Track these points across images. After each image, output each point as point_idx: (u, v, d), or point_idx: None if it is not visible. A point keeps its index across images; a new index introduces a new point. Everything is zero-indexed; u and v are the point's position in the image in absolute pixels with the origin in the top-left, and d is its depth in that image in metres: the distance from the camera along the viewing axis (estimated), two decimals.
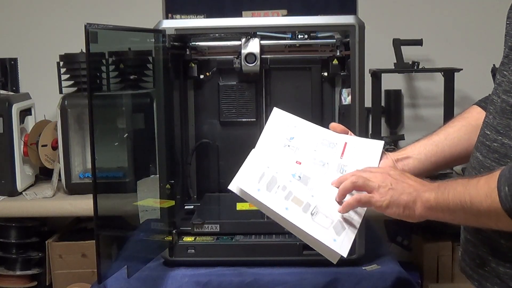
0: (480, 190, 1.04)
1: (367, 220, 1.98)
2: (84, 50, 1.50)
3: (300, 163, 1.28)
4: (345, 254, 1.19)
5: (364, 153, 1.32)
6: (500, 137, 1.14)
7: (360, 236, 1.79)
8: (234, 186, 1.27)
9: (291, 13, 2.84)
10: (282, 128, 1.36)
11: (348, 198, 1.20)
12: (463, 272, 1.26)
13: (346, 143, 1.34)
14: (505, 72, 1.16)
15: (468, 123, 1.36)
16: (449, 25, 2.90)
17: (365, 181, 1.18)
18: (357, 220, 1.24)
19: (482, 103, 1.36)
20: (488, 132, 1.17)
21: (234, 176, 1.29)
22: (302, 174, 1.27)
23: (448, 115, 2.62)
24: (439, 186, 1.13)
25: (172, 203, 1.86)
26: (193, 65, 2.03)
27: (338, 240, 1.19)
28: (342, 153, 1.32)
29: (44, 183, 2.61)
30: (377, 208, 1.17)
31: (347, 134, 1.38)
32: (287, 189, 1.24)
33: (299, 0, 2.91)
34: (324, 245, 1.19)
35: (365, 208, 1.24)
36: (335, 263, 1.23)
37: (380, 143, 1.35)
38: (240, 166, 2.12)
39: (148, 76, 2.54)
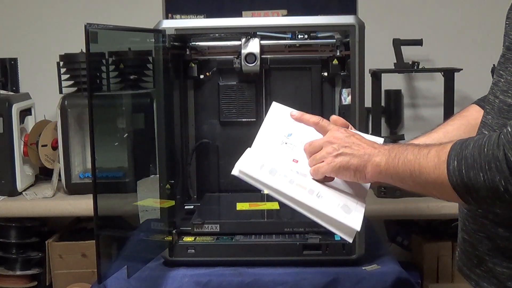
0: (429, 161, 1.06)
1: (367, 220, 1.98)
2: (84, 50, 1.50)
3: (297, 161, 1.27)
4: (358, 228, 1.18)
5: None
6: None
7: (360, 236, 1.79)
8: (236, 170, 1.26)
9: (291, 13, 2.84)
10: (280, 124, 1.34)
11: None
12: (461, 272, 1.26)
13: None
14: (501, 72, 1.16)
15: (468, 122, 1.36)
16: (449, 25, 2.90)
17: (313, 156, 1.22)
18: (361, 203, 1.23)
19: (481, 102, 1.36)
20: (486, 132, 1.17)
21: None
22: (300, 172, 1.26)
23: (448, 115, 2.60)
24: (390, 150, 1.14)
25: (172, 203, 1.86)
26: (193, 65, 2.03)
27: (349, 216, 1.19)
28: None
29: (44, 183, 2.61)
30: (329, 174, 1.19)
31: (348, 128, 1.36)
32: (289, 177, 1.23)
33: (299, 0, 2.91)
34: (336, 220, 1.18)
35: (368, 185, 1.25)
36: (351, 241, 1.21)
37: (380, 140, 1.33)
38: None
39: (148, 76, 2.55)
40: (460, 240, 1.26)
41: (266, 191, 1.24)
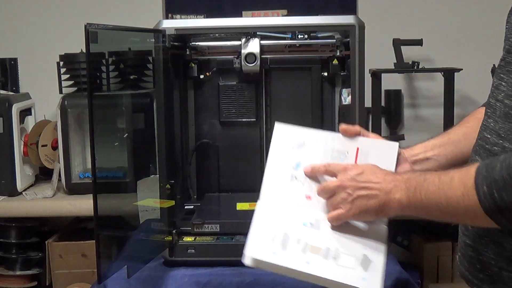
0: (455, 189, 1.03)
1: None
2: (84, 50, 1.50)
3: (310, 198, 1.21)
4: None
5: (378, 158, 1.24)
6: (501, 141, 1.12)
7: None
8: (248, 259, 1.18)
9: (291, 13, 2.84)
10: (287, 153, 1.25)
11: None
12: (462, 277, 1.24)
13: (358, 148, 1.26)
14: (502, 75, 1.16)
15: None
16: (449, 25, 2.89)
17: (329, 201, 1.17)
18: (381, 247, 1.18)
19: None
20: (488, 136, 1.16)
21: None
22: (313, 218, 1.19)
23: (448, 115, 2.62)
24: (407, 182, 1.10)
25: (172, 203, 1.86)
26: (193, 65, 2.03)
27: (368, 277, 1.13)
28: (355, 163, 1.24)
29: (44, 183, 2.61)
30: (350, 220, 1.16)
31: (359, 134, 1.31)
32: (302, 240, 1.16)
33: (299, 0, 2.91)
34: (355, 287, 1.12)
35: (385, 232, 1.21)
36: None
37: (395, 145, 1.28)
38: (240, 166, 2.15)
39: (148, 76, 2.54)
40: (461, 245, 1.24)
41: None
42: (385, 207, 1.11)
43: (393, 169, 1.25)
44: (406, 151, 1.33)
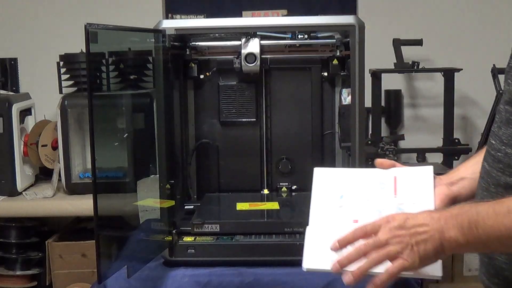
0: None
1: None
2: (84, 50, 1.50)
3: (357, 221, 1.22)
4: (439, 274, 1.14)
5: (416, 183, 1.27)
6: (503, 147, 1.12)
7: None
8: (305, 268, 1.22)
9: (291, 13, 2.84)
10: (329, 189, 1.30)
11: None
12: (481, 282, 1.23)
13: (395, 177, 1.29)
14: (509, 81, 1.16)
15: None
16: (449, 25, 2.90)
17: (385, 253, 1.11)
18: None
19: None
20: (493, 142, 1.16)
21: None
22: None
23: (448, 115, 2.62)
24: (459, 219, 1.06)
25: (172, 203, 1.86)
26: (193, 65, 2.03)
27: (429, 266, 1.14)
28: (395, 191, 1.27)
29: (44, 183, 2.61)
30: (413, 270, 1.11)
31: (393, 166, 1.32)
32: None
33: (299, 0, 2.91)
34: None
35: None
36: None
37: (430, 169, 1.29)
38: (240, 166, 2.15)
39: (148, 76, 2.54)
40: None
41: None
42: (443, 247, 1.07)
43: (432, 192, 1.26)
44: (441, 176, 1.33)
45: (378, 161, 1.32)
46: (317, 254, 1.20)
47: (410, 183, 1.27)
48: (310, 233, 1.25)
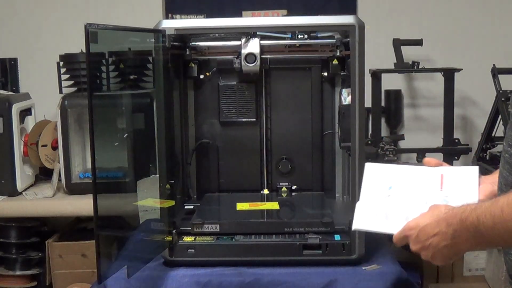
0: (509, 220, 1.06)
1: None
2: (84, 50, 1.50)
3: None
4: None
5: (461, 181, 1.33)
6: (509, 149, 1.18)
7: (360, 236, 1.79)
8: (356, 228, 1.32)
9: (291, 13, 2.84)
10: (379, 180, 1.38)
11: None
12: (508, 281, 1.29)
13: (442, 175, 1.35)
14: None
15: None
16: (449, 25, 2.90)
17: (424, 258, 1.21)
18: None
19: None
20: (504, 143, 1.21)
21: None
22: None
23: (448, 115, 2.62)
24: (464, 225, 1.12)
25: (172, 203, 1.86)
26: (193, 65, 2.03)
27: None
28: (441, 186, 1.33)
29: (44, 183, 2.61)
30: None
31: (441, 165, 1.39)
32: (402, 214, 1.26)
33: (299, 0, 2.91)
34: None
35: None
36: None
37: (475, 169, 1.34)
38: (240, 166, 2.15)
39: (148, 76, 2.55)
40: (505, 250, 1.27)
41: None
42: (458, 250, 1.16)
43: (476, 188, 1.31)
44: (486, 176, 1.37)
45: (426, 159, 1.41)
46: (366, 218, 1.31)
47: (456, 179, 1.34)
48: (361, 204, 1.34)
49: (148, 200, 1.93)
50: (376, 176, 1.39)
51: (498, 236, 1.08)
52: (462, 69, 2.61)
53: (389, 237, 1.27)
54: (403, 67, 2.65)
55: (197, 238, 1.84)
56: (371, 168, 1.42)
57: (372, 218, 1.31)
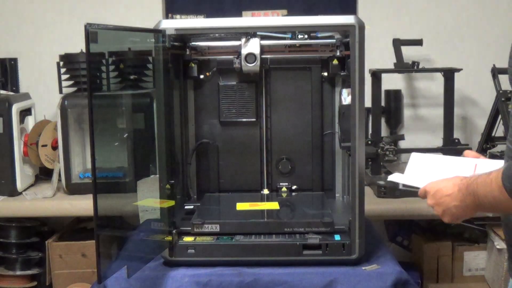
0: (494, 189, 1.28)
1: (367, 220, 1.99)
2: (84, 50, 1.50)
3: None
4: None
5: (490, 170, 1.47)
6: (508, 143, 1.36)
7: (360, 236, 1.79)
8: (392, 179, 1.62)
9: (291, 13, 2.84)
10: (421, 166, 1.63)
11: None
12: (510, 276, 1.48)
13: (476, 164, 1.54)
14: None
15: None
16: (449, 25, 2.90)
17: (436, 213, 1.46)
18: None
19: None
20: (509, 138, 1.38)
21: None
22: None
23: (448, 115, 2.62)
24: (469, 189, 1.35)
25: (172, 203, 1.86)
26: (193, 65, 2.03)
27: None
28: (474, 173, 1.51)
29: (44, 183, 2.61)
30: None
31: (479, 158, 1.58)
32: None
33: (299, 0, 2.91)
34: None
35: None
36: None
37: (499, 163, 1.47)
38: (240, 166, 2.15)
39: (148, 76, 2.55)
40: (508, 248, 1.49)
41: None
42: (464, 212, 1.38)
43: None
44: None
45: (466, 151, 1.61)
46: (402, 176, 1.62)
47: (486, 169, 1.48)
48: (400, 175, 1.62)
49: (148, 200, 1.93)
50: (419, 164, 1.64)
51: (489, 202, 1.30)
52: (462, 69, 2.61)
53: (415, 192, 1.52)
54: (403, 67, 2.66)
55: (197, 238, 1.84)
56: (416, 157, 1.66)
57: (406, 176, 1.59)
